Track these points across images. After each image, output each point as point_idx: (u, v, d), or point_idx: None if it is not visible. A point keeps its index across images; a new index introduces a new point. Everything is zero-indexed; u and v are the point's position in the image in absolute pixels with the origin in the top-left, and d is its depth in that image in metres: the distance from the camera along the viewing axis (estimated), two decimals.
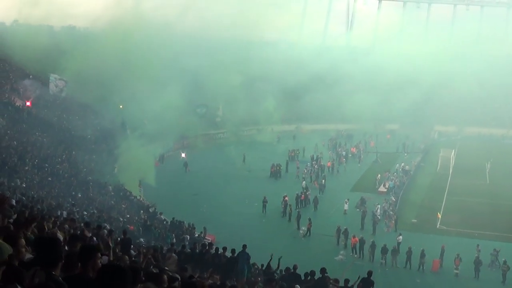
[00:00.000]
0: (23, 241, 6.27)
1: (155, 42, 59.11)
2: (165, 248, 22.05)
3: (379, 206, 39.95)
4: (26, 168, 34.56)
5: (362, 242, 32.97)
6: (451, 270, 30.41)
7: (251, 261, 20.53)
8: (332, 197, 44.80)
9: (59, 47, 55.43)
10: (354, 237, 33.59)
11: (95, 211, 30.38)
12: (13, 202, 18.65)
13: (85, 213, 28.31)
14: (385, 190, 46.82)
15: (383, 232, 36.75)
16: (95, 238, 14.78)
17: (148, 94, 52.81)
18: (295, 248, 33.18)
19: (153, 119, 51.37)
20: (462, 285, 29.40)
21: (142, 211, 36.50)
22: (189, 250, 21.79)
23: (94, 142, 48.39)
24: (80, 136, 48.00)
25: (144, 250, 17.35)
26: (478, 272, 29.70)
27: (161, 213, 36.56)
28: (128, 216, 34.05)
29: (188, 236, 30.76)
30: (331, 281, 18.24)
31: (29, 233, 8.90)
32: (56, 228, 13.44)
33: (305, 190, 44.39)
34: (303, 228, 36.77)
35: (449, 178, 51.87)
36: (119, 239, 18.14)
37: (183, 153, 56.61)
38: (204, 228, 33.68)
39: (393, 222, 37.88)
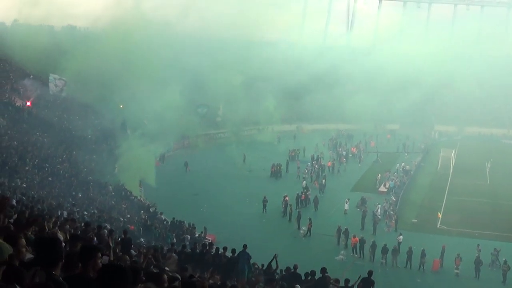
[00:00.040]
0: (23, 241, 6.27)
1: (155, 42, 59.11)
2: (165, 248, 22.06)
3: (379, 206, 39.95)
4: (27, 168, 34.57)
5: (362, 242, 32.96)
6: (451, 270, 30.41)
7: (252, 261, 20.52)
8: (332, 197, 44.79)
9: (60, 47, 55.50)
10: (354, 237, 33.58)
11: (96, 211, 30.39)
12: (14, 202, 18.67)
13: (86, 213, 28.32)
14: (386, 190, 46.81)
15: (384, 232, 36.75)
16: (95, 238, 14.79)
17: (148, 94, 52.80)
18: (296, 248, 33.16)
19: (154, 119, 51.38)
20: (463, 285, 29.39)
21: (142, 211, 36.49)
22: (189, 250, 21.79)
23: (94, 142, 48.39)
24: (81, 136, 48.01)
25: (145, 250, 17.36)
26: (478, 272, 29.69)
27: (161, 213, 36.55)
28: (129, 216, 34.05)
29: (189, 236, 30.75)
30: (332, 281, 18.24)
31: (29, 233, 8.91)
32: (57, 228, 13.44)
33: (305, 190, 44.37)
34: (304, 228, 36.75)
35: (450, 178, 51.87)
36: (119, 239, 18.15)
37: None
38: (205, 228, 33.66)
39: (394, 222, 37.88)
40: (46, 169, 36.28)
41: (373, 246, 32.29)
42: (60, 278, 5.23)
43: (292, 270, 19.08)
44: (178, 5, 69.08)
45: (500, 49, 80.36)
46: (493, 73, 76.58)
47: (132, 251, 16.51)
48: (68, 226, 14.59)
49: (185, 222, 34.33)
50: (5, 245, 5.64)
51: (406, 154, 62.67)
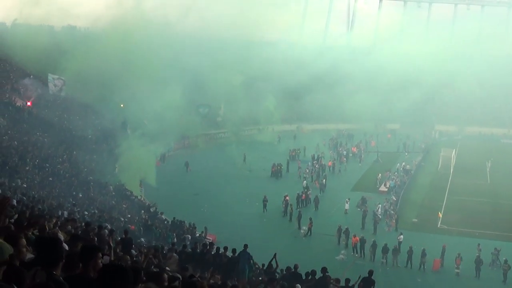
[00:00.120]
0: (24, 241, 6.27)
1: (155, 42, 59.11)
2: (166, 248, 22.06)
3: (380, 205, 39.94)
4: (27, 168, 34.58)
5: (363, 241, 32.96)
6: (452, 270, 30.40)
7: (252, 261, 20.53)
8: (333, 196, 44.78)
9: (60, 47, 55.51)
10: (355, 236, 33.58)
11: (96, 211, 30.40)
12: (14, 202, 18.67)
13: (86, 213, 28.33)
14: (386, 189, 46.79)
15: (384, 232, 36.75)
16: (96, 238, 14.78)
17: (148, 94, 52.82)
18: (296, 247, 33.14)
19: (154, 118, 51.39)
20: (463, 284, 29.38)
21: (143, 211, 36.51)
22: (190, 250, 21.78)
23: (95, 142, 48.41)
24: (81, 136, 48.03)
25: (145, 250, 17.36)
26: (479, 272, 29.67)
27: (162, 213, 36.57)
28: (129, 216, 34.06)
29: (189, 236, 30.76)
30: (332, 280, 18.24)
31: (30, 233, 8.91)
32: (57, 228, 13.44)
33: (306, 190, 44.36)
34: (304, 228, 36.75)
35: (450, 178, 51.87)
36: (120, 239, 18.15)
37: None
38: (205, 228, 33.68)
39: (394, 221, 37.86)
40: (47, 169, 36.29)
41: (374, 245, 32.28)
42: (61, 278, 5.23)
43: (293, 270, 19.07)
44: (178, 5, 69.14)
45: (500, 49, 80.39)
46: (494, 72, 76.61)
47: (133, 251, 16.50)
48: (69, 227, 14.59)
49: (186, 222, 34.34)
50: (6, 245, 5.65)
51: (406, 154, 62.66)
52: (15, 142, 38.75)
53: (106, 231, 16.94)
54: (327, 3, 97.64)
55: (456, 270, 30.17)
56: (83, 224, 17.88)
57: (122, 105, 55.14)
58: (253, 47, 67.83)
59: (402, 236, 33.26)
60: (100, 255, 5.78)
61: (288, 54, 71.55)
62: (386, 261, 31.68)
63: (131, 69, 53.88)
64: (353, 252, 33.20)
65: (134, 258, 13.99)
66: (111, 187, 39.51)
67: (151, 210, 37.36)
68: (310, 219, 36.59)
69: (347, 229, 34.52)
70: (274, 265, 20.08)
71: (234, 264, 19.78)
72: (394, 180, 48.47)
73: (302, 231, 36.76)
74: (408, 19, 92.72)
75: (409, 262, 31.16)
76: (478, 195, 46.23)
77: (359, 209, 40.36)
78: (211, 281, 14.63)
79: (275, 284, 14.96)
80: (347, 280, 18.84)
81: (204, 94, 62.91)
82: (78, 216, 24.31)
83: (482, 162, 56.13)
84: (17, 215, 11.57)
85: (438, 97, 78.99)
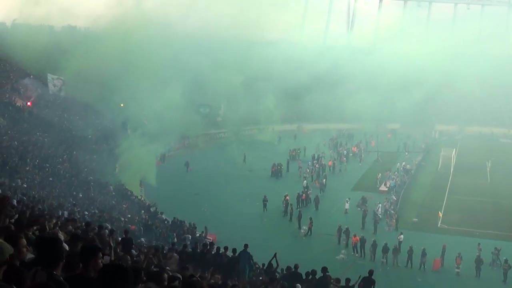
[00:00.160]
0: (24, 241, 6.28)
1: (155, 42, 59.10)
2: (166, 247, 22.06)
3: (380, 205, 39.92)
4: (27, 168, 34.59)
5: (363, 241, 32.96)
6: (452, 269, 30.40)
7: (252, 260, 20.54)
8: (333, 196, 44.76)
9: (60, 47, 55.52)
10: (355, 236, 33.58)
11: (96, 211, 30.41)
12: (14, 202, 18.67)
13: (86, 213, 28.33)
14: (386, 189, 46.79)
15: (384, 231, 36.74)
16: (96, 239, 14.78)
17: (149, 94, 52.84)
18: (296, 247, 33.14)
19: (154, 118, 51.40)
20: (463, 284, 29.37)
21: (143, 211, 36.51)
22: (190, 250, 21.78)
23: (95, 142, 48.42)
24: (81, 136, 48.03)
25: (145, 250, 17.36)
26: (479, 271, 29.67)
27: (162, 213, 36.57)
28: (129, 215, 34.04)
29: (190, 236, 30.75)
30: (332, 280, 18.25)
31: (30, 233, 8.91)
32: (58, 228, 13.45)
33: (306, 189, 44.37)
34: (304, 228, 36.75)
35: (450, 177, 51.87)
36: (120, 239, 18.15)
37: None
38: (205, 228, 33.68)
39: (394, 221, 37.84)
40: (47, 169, 36.31)
41: (374, 245, 32.29)
42: (61, 278, 5.23)
43: (293, 270, 19.08)
44: (178, 5, 69.20)
45: (500, 49, 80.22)
46: (494, 72, 76.57)
47: (133, 251, 16.51)
48: (70, 227, 14.59)
49: (186, 221, 34.34)
50: (6, 245, 5.65)
51: (406, 154, 62.63)
52: (15, 142, 38.76)
53: (107, 231, 16.94)
54: (327, 3, 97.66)
55: (457, 270, 30.17)
56: (83, 224, 17.88)
57: (122, 105, 55.15)
58: (253, 47, 67.81)
59: (402, 236, 33.26)
60: (101, 255, 5.78)
61: (288, 54, 71.47)
62: (386, 260, 31.69)
63: (131, 69, 53.89)
64: (353, 252, 33.21)
65: (135, 258, 13.99)
66: (111, 187, 39.52)
67: (151, 210, 37.36)
68: (310, 218, 36.59)
69: (347, 228, 34.52)
70: (275, 265, 20.09)
71: (234, 264, 19.79)
72: (394, 180, 48.47)
73: (302, 230, 36.76)
74: (408, 19, 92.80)
75: (409, 261, 31.15)
76: (478, 194, 46.21)
77: (359, 208, 40.34)
78: (212, 281, 14.63)
79: (275, 284, 14.97)
80: (348, 280, 18.85)
81: (204, 94, 62.93)
82: (78, 216, 24.32)
83: (482, 162, 56.08)
84: (17, 215, 11.57)
85: (438, 96, 78.94)
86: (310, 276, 18.43)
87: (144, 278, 7.15)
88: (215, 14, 73.75)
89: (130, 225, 30.11)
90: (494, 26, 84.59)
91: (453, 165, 54.68)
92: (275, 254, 20.04)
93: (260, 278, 19.52)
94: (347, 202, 40.90)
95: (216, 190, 44.91)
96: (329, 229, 35.98)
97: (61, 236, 10.95)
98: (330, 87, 66.76)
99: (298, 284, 16.33)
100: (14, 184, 29.18)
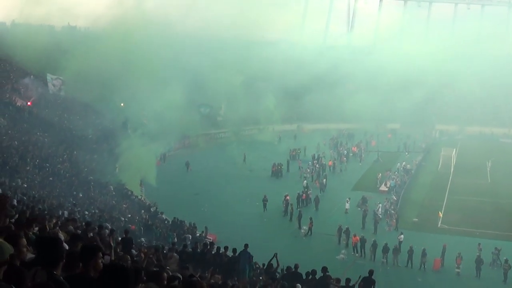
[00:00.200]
0: (24, 240, 6.28)
1: (155, 42, 59.09)
2: (166, 247, 22.06)
3: (380, 205, 39.91)
4: (27, 168, 34.59)
5: (363, 241, 32.96)
6: (452, 269, 30.40)
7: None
8: (333, 196, 44.77)
9: (60, 47, 55.49)
10: (355, 236, 33.58)
11: (97, 211, 30.43)
12: (15, 202, 18.67)
13: (87, 212, 28.34)
14: (386, 189, 46.78)
15: (385, 231, 36.75)
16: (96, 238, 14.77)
17: (149, 94, 52.84)
18: (297, 247, 33.15)
19: (154, 118, 51.40)
20: (464, 284, 29.37)
21: (143, 211, 36.52)
22: (190, 250, 21.79)
23: (95, 142, 48.43)
24: (81, 136, 48.06)
25: (146, 250, 17.36)
26: (479, 271, 29.67)
27: (162, 213, 36.58)
28: (130, 215, 34.06)
29: (190, 236, 30.75)
30: (333, 280, 18.25)
31: (30, 233, 8.91)
32: (58, 228, 13.44)
33: (306, 189, 44.37)
34: (305, 227, 36.76)
35: (450, 177, 51.86)
36: (120, 238, 18.14)
37: None
38: (206, 228, 33.70)
39: (394, 221, 37.84)
40: (47, 169, 36.31)
41: (374, 245, 32.29)
42: (61, 277, 5.23)
43: (293, 270, 19.09)
44: (178, 5, 69.16)
45: (500, 48, 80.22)
46: (494, 72, 76.54)
47: (133, 251, 16.50)
48: (71, 227, 14.59)
49: (186, 221, 34.35)
50: (6, 244, 5.65)
51: (407, 153, 62.61)
52: (16, 142, 38.76)
53: (107, 231, 16.95)
54: (328, 3, 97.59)
55: (457, 270, 30.17)
56: (83, 224, 17.88)
57: (122, 104, 55.15)
58: (253, 47, 67.78)
59: (402, 236, 33.27)
60: (101, 254, 5.78)
61: (289, 54, 71.43)
62: (387, 260, 31.69)
63: (132, 69, 53.89)
64: (354, 252, 33.22)
65: (135, 258, 13.98)
66: (112, 186, 39.52)
67: (152, 209, 37.37)
68: (311, 218, 36.59)
69: (347, 228, 34.53)
70: (275, 265, 20.10)
71: (234, 264, 19.79)
72: (394, 180, 48.47)
73: (302, 230, 36.77)
74: (408, 19, 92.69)
75: (409, 261, 31.16)
76: (479, 194, 46.19)
77: (359, 208, 40.34)
78: (212, 281, 14.63)
79: (275, 284, 14.97)
80: (348, 280, 18.85)
81: (204, 94, 62.92)
82: (79, 216, 24.32)
83: (483, 162, 56.06)
84: (17, 215, 11.56)
85: (438, 96, 78.89)
86: (310, 276, 18.43)
87: (144, 278, 7.15)
88: (215, 14, 73.74)
89: (130, 225, 30.12)
90: (494, 26, 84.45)
91: (453, 165, 54.67)
92: (275, 255, 20.05)
93: (261, 278, 19.53)
94: (347, 202, 40.91)
95: (216, 190, 44.90)
96: (329, 229, 35.99)
97: (61, 236, 10.94)
98: (330, 87, 66.73)
99: (298, 284, 16.34)
100: (14, 184, 29.17)
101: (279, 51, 70.40)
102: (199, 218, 35.84)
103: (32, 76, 54.47)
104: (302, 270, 18.90)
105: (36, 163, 36.29)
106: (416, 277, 30.31)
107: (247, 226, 36.30)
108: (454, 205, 42.86)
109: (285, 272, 19.44)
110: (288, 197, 40.92)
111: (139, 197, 41.00)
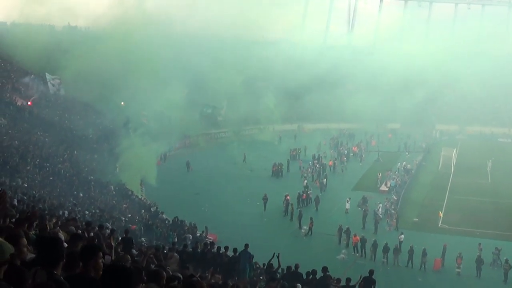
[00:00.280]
0: (24, 240, 6.27)
1: (156, 42, 59.12)
2: (166, 247, 22.05)
3: (380, 205, 39.87)
4: (28, 167, 34.58)
5: (363, 241, 32.94)
6: (452, 269, 30.39)
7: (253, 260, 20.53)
8: (333, 196, 44.76)
9: (60, 47, 55.57)
10: (355, 236, 33.55)
11: (97, 211, 30.41)
12: (15, 201, 18.67)
13: (87, 212, 28.34)
14: (387, 189, 46.76)
15: (385, 231, 36.73)
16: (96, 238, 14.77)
17: (149, 93, 52.87)
18: (297, 247, 33.14)
19: (155, 118, 51.40)
20: (464, 284, 29.36)
21: (143, 211, 36.50)
22: (190, 250, 21.78)
23: (95, 142, 48.44)
24: (82, 136, 48.08)
25: (146, 250, 17.35)
26: (479, 271, 29.67)
27: (162, 212, 36.55)
28: (130, 215, 34.04)
29: (190, 235, 30.73)
30: (333, 280, 18.25)
31: (31, 233, 8.91)
32: (58, 227, 13.44)
33: (306, 189, 44.35)
34: (305, 227, 36.75)
35: (451, 177, 51.85)
36: (120, 238, 18.14)
37: None
38: (206, 228, 33.66)
39: (395, 221, 37.82)
40: (47, 169, 36.31)
41: (374, 245, 32.28)
42: (61, 277, 5.23)
43: (293, 269, 19.08)
44: (178, 5, 69.19)
45: (501, 48, 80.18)
46: (494, 72, 76.50)
47: (134, 251, 16.50)
48: (73, 227, 14.58)
49: (187, 221, 34.30)
50: (7, 244, 5.64)
51: (407, 153, 62.59)
52: (16, 141, 38.76)
53: (107, 230, 16.95)
54: (328, 2, 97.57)
55: (457, 270, 30.16)
56: (84, 223, 17.88)
57: (122, 103, 55.17)
58: (254, 47, 67.83)
59: (403, 236, 33.26)
60: (101, 254, 5.77)
61: (289, 54, 71.43)
62: (387, 260, 31.68)
63: (132, 68, 53.95)
64: (354, 252, 33.20)
65: (135, 258, 13.97)
66: (112, 186, 39.51)
67: (152, 209, 37.35)
68: (311, 218, 36.58)
69: (348, 228, 34.50)
70: (276, 265, 20.09)
71: (235, 264, 19.79)
72: (395, 180, 48.45)
73: (302, 230, 36.77)
74: (409, 19, 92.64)
75: (410, 261, 31.15)
76: (479, 194, 46.20)
77: (360, 208, 40.32)
78: (212, 280, 14.63)
79: (276, 284, 14.96)
80: (348, 280, 18.86)
81: (205, 94, 62.98)
82: (79, 216, 24.31)
83: (483, 161, 56.07)
84: (18, 215, 11.56)
85: (439, 96, 78.92)
86: (311, 276, 18.43)
87: (145, 278, 7.14)
88: (215, 14, 73.82)
89: (130, 225, 30.11)
90: (495, 26, 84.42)
91: (453, 165, 54.68)
92: (277, 255, 20.04)
93: (261, 277, 19.53)
94: (347, 202, 40.89)
95: (217, 190, 44.89)
96: (330, 229, 35.97)
97: (62, 235, 10.94)
98: (330, 87, 66.77)
99: (299, 284, 16.33)
100: (14, 184, 29.17)
101: (279, 51, 70.44)
102: (200, 218, 35.80)
103: (32, 76, 54.49)
104: (303, 270, 18.89)
105: (37, 162, 36.29)
106: (416, 277, 30.30)
107: (247, 226, 36.31)
108: (455, 205, 42.86)
109: (285, 272, 19.43)
110: (288, 197, 40.90)
111: (140, 196, 40.99)
